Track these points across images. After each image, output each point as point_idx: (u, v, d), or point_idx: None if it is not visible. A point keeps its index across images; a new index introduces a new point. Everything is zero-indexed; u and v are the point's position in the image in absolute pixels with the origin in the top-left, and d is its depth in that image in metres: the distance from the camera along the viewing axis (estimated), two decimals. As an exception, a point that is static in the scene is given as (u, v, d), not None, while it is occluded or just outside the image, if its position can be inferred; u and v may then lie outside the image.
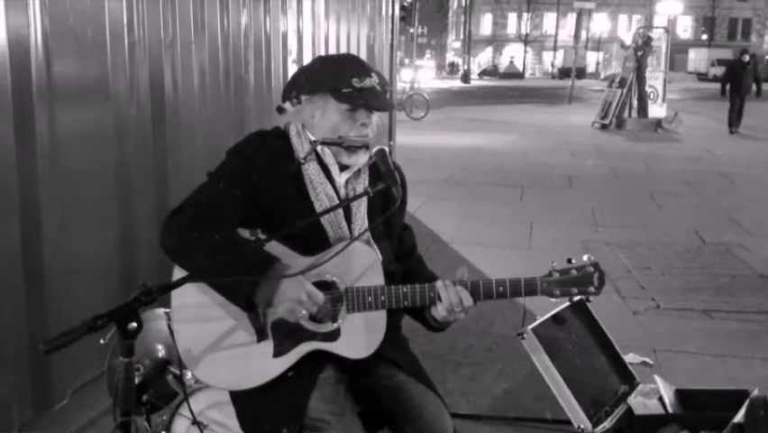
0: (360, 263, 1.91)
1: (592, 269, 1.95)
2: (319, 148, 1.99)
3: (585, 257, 1.97)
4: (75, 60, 3.10)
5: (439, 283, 1.94)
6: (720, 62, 55.19)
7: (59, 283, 3.03)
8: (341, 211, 1.98)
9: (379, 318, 1.93)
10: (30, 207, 2.87)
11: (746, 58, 16.65)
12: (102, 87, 3.29)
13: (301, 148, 2.00)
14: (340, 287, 1.90)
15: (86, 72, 3.18)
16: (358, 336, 1.92)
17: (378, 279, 1.92)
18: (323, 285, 1.90)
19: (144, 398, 2.26)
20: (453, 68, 72.89)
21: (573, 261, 1.96)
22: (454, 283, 1.93)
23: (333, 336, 1.91)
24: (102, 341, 1.79)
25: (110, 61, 3.31)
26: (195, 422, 2.11)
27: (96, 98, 3.26)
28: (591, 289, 1.95)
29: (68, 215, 3.07)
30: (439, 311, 1.94)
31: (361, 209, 2.02)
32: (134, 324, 1.46)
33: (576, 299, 1.98)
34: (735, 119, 16.73)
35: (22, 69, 2.79)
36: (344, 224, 1.99)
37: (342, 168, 2.02)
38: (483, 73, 64.88)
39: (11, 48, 2.74)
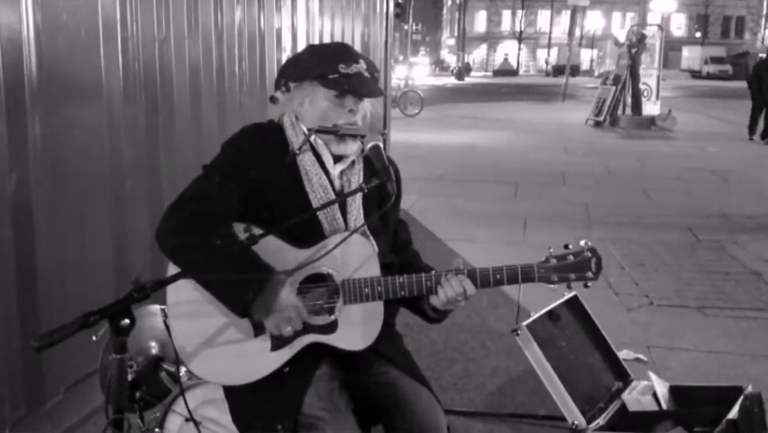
0: (356, 255, 1.90)
1: (589, 254, 1.93)
2: (312, 139, 1.98)
3: (582, 242, 1.95)
4: (68, 57, 3.08)
5: (440, 275, 1.92)
6: (714, 60, 55.52)
7: (52, 280, 3.01)
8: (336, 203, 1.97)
9: (376, 310, 1.93)
10: (22, 205, 2.85)
11: None
12: (95, 84, 3.27)
13: (296, 139, 1.99)
14: (336, 279, 1.90)
15: (79, 69, 3.16)
16: (355, 329, 1.91)
17: (374, 270, 1.91)
18: (319, 277, 1.89)
19: (137, 395, 2.25)
20: (442, 64, 72.57)
21: (570, 246, 1.94)
22: (455, 273, 1.92)
23: (331, 328, 1.90)
24: (94, 338, 1.77)
25: (103, 58, 3.29)
26: (190, 419, 2.09)
27: (88, 95, 3.24)
28: (589, 274, 1.93)
29: (60, 212, 3.05)
30: (440, 298, 1.93)
31: (356, 201, 2.01)
32: (127, 320, 1.44)
33: (574, 285, 1.95)
34: (755, 124, 14.99)
35: (14, 66, 2.77)
36: (339, 216, 1.97)
37: (336, 159, 2.00)
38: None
39: (3, 44, 2.71)
